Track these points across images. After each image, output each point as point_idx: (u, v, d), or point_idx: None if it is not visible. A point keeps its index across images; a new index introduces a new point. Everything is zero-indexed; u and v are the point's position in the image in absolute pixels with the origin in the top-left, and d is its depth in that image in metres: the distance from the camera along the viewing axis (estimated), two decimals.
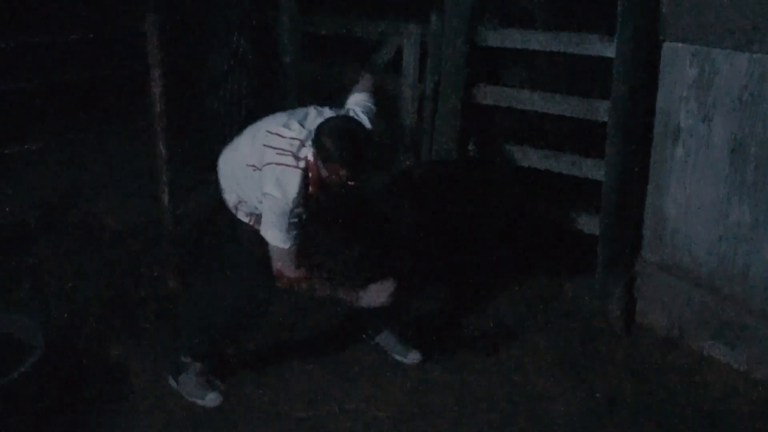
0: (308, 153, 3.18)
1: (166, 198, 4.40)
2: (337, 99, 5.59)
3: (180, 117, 5.57)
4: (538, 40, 4.40)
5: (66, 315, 4.09)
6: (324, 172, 3.15)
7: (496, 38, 4.55)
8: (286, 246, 3.22)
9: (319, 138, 3.12)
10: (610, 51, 4.04)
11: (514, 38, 4.50)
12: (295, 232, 3.22)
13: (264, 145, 3.24)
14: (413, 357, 3.85)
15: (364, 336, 3.97)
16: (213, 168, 5.96)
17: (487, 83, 4.65)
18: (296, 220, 3.21)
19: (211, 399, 3.54)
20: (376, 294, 3.36)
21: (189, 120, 6.22)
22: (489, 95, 4.61)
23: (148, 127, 4.55)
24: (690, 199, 3.82)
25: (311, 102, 5.67)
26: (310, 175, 3.19)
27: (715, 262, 3.73)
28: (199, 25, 6.56)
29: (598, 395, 3.60)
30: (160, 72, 4.25)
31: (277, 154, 3.20)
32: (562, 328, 4.14)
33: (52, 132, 7.21)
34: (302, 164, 3.18)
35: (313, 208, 3.28)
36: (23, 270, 4.53)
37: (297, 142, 3.20)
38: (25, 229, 5.08)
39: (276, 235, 3.21)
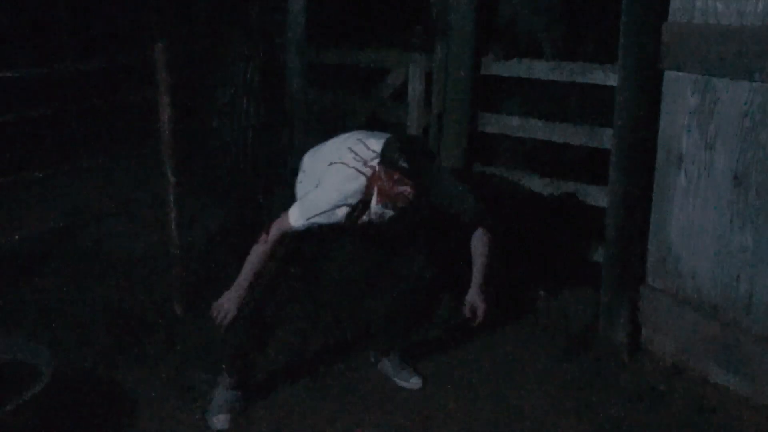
0: (376, 162, 3.37)
1: (173, 224, 4.45)
2: (341, 127, 5.69)
3: (188, 144, 5.63)
4: (541, 70, 4.46)
5: (74, 340, 4.13)
6: (385, 180, 3.31)
7: (500, 68, 4.61)
8: (295, 225, 3.40)
9: (385, 145, 3.36)
10: (612, 80, 4.10)
11: (517, 68, 4.56)
12: (312, 224, 3.39)
13: (348, 148, 3.45)
14: (415, 382, 3.87)
15: (371, 358, 4.01)
16: (221, 194, 6.08)
17: (490, 110, 4.71)
18: (324, 220, 3.38)
19: (220, 421, 3.56)
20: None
21: (197, 147, 6.29)
22: (493, 123, 4.66)
23: (155, 154, 4.61)
24: (693, 225, 3.85)
25: (317, 129, 5.77)
26: (374, 187, 3.35)
27: (718, 288, 3.75)
28: (208, 54, 6.65)
29: (603, 421, 3.60)
30: (168, 99, 4.32)
31: (353, 158, 3.41)
32: (567, 354, 4.15)
33: (61, 159, 7.30)
34: (368, 171, 3.36)
35: (357, 217, 3.42)
36: (32, 296, 4.58)
37: (374, 154, 3.40)
38: (34, 255, 5.14)
39: (297, 214, 3.39)
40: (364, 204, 3.39)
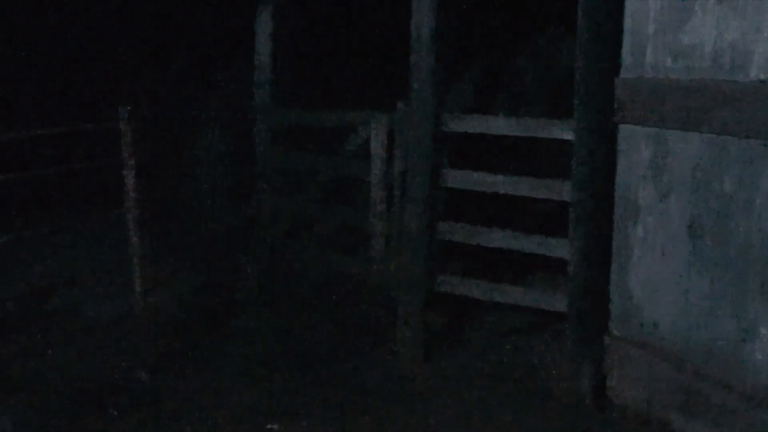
0: None
1: (139, 289, 4.44)
2: (309, 188, 5.78)
3: (157, 207, 5.66)
4: (500, 125, 4.55)
5: (38, 405, 4.07)
6: None
7: (461, 124, 4.70)
8: None
9: None
10: (569, 134, 4.19)
11: (476, 124, 4.65)
12: None
13: None
14: None
15: None
16: (192, 258, 6.08)
17: (453, 166, 4.78)
18: None
19: None
20: None
21: (166, 210, 6.31)
22: (455, 179, 4.72)
23: (124, 218, 4.64)
24: (652, 275, 3.91)
25: (284, 189, 5.83)
26: None
27: (679, 336, 3.79)
28: (177, 117, 6.72)
29: None
30: (133, 162, 4.35)
31: None
32: (535, 407, 4.15)
33: (30, 225, 7.27)
34: None
35: None
36: None
37: None
38: (4, 319, 5.10)
39: None
40: None
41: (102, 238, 6.94)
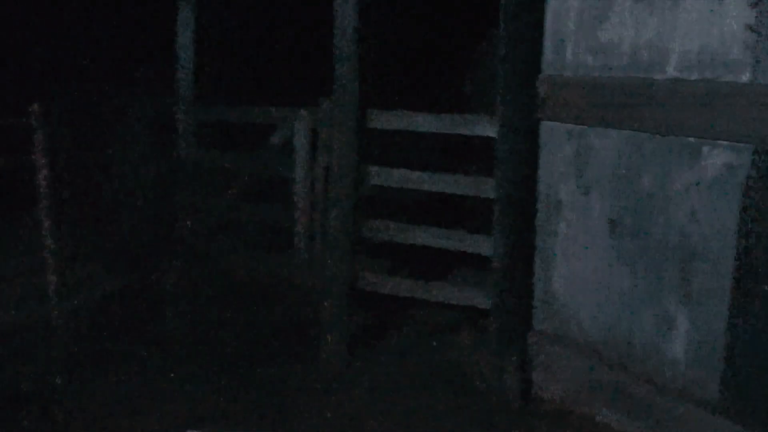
0: None
1: (53, 291, 4.29)
2: (233, 186, 5.67)
3: (71, 207, 5.47)
4: (423, 122, 4.53)
5: None
6: None
7: (385, 120, 4.66)
8: None
9: None
10: (492, 131, 4.20)
11: (401, 120, 4.62)
12: None
13: None
14: None
15: None
16: (109, 259, 5.90)
17: (378, 163, 4.74)
18: None
19: None
20: None
21: (82, 210, 6.11)
22: (379, 176, 4.68)
23: (37, 218, 4.47)
24: (574, 270, 3.94)
25: (205, 188, 5.72)
26: None
27: (600, 330, 3.83)
28: (94, 113, 6.53)
29: None
30: (46, 160, 4.20)
31: None
32: (460, 406, 4.13)
33: None
34: None
35: None
36: None
37: None
38: None
39: None
40: None
41: (17, 239, 6.71)
